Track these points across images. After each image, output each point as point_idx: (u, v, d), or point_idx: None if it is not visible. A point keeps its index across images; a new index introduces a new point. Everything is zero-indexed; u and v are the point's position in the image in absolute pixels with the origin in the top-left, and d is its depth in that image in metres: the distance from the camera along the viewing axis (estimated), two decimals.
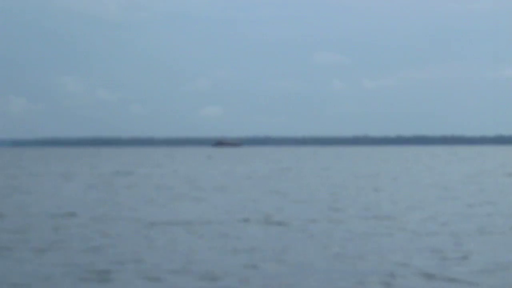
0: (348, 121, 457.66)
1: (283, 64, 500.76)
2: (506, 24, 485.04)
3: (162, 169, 66.95)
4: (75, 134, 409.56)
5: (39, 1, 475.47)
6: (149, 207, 28.48)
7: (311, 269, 14.40)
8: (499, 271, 14.09)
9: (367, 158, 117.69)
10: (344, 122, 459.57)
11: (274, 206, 27.91)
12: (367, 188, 39.89)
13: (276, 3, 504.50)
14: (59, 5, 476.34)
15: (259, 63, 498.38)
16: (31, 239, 18.93)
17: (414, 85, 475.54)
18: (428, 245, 17.59)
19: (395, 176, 53.80)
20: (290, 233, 19.93)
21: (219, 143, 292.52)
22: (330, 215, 24.58)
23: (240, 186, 41.51)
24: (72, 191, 37.92)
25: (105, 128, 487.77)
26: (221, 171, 61.65)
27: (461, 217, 23.98)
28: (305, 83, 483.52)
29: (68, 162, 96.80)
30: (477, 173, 58.11)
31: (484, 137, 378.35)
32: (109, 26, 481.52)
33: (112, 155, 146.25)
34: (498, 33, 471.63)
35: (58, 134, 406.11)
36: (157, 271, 14.31)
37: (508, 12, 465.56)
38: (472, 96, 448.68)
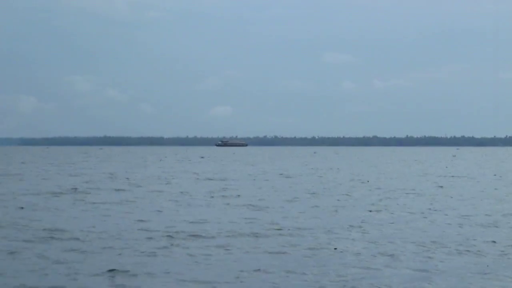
0: (358, 121, 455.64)
1: (293, 64, 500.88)
2: None
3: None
4: (85, 133, 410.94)
5: (50, 0, 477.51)
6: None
7: None
8: None
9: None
10: (353, 123, 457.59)
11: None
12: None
13: (287, 3, 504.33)
14: (70, 5, 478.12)
15: (269, 63, 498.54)
16: None
17: (424, 85, 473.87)
18: None
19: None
20: None
21: (224, 143, 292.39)
22: None
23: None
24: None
25: (114, 128, 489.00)
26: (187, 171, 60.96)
27: None
28: (315, 83, 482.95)
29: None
30: None
31: (494, 138, 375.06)
32: (119, 25, 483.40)
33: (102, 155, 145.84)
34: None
35: (68, 133, 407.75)
36: None
37: None
38: (483, 97, 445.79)
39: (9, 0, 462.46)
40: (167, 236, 17.72)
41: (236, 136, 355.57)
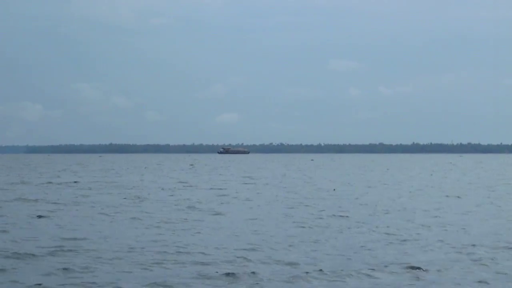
0: (364, 128, 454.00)
1: (299, 71, 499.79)
2: None
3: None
4: (90, 141, 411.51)
5: (55, 8, 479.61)
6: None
7: None
8: None
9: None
10: (359, 130, 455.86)
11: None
12: None
13: (292, 10, 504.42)
14: (75, 12, 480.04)
15: (275, 70, 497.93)
16: None
17: (430, 92, 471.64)
18: None
19: None
20: None
21: (226, 150, 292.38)
22: None
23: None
24: None
25: (120, 135, 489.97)
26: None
27: None
28: (321, 90, 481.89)
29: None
30: None
31: (501, 145, 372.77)
32: (124, 32, 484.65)
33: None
34: None
35: (73, 141, 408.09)
36: None
37: None
38: (490, 103, 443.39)
39: (14, 8, 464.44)
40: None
41: (242, 144, 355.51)
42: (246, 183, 49.89)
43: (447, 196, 36.40)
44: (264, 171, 78.80)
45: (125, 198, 33.50)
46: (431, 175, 67.69)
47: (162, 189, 42.25)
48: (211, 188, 43.21)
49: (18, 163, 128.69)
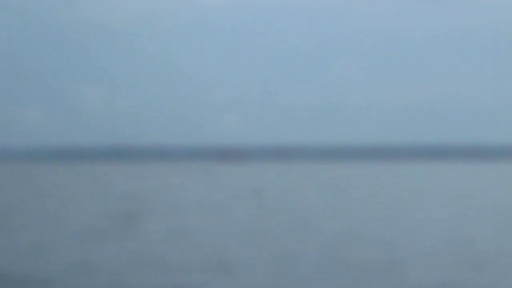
0: (368, 132, 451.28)
1: (301, 73, 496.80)
2: None
3: None
4: (92, 144, 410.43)
5: (57, 11, 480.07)
6: None
7: None
8: None
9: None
10: (363, 133, 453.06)
11: None
12: None
13: (295, 12, 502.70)
14: (76, 15, 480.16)
15: (278, 72, 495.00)
16: None
17: (434, 96, 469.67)
18: None
19: None
20: None
21: (224, 154, 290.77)
22: None
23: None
24: None
25: (123, 138, 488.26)
26: None
27: None
28: (324, 92, 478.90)
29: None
30: None
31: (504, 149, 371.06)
32: (126, 35, 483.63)
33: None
34: None
35: (76, 144, 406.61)
36: None
37: None
38: (494, 105, 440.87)
39: (15, 10, 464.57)
40: None
41: (244, 147, 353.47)
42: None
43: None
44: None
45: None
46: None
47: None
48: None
49: (9, 166, 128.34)
